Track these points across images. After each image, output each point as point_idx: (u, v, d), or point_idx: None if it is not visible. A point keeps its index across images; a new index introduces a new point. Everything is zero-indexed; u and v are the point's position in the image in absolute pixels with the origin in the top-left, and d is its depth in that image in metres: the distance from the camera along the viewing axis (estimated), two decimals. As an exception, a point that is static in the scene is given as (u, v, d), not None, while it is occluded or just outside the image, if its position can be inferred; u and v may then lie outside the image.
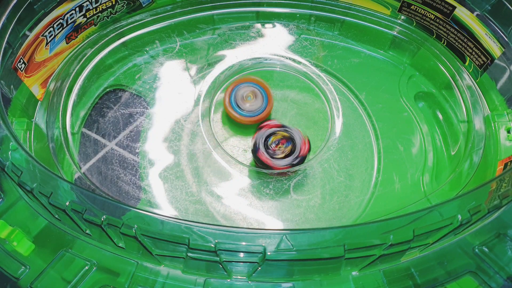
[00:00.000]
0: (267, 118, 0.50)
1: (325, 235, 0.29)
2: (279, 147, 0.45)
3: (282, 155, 0.45)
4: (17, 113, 0.44)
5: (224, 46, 0.57)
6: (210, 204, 0.45)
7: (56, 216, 0.33)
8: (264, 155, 0.45)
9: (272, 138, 0.45)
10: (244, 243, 0.28)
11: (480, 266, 0.31)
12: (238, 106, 0.49)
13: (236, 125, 0.51)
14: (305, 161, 0.46)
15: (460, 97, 0.51)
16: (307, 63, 0.55)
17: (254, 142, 0.46)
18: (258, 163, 0.46)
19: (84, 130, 0.50)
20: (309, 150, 0.46)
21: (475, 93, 0.50)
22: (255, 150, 0.45)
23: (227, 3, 0.58)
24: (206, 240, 0.28)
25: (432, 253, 0.32)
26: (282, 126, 0.46)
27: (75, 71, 0.51)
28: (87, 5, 0.50)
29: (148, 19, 0.56)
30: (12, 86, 0.44)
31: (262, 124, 0.47)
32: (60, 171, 0.44)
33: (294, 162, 0.45)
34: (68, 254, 0.32)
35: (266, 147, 0.45)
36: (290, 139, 0.46)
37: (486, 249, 0.32)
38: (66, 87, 0.50)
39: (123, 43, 0.55)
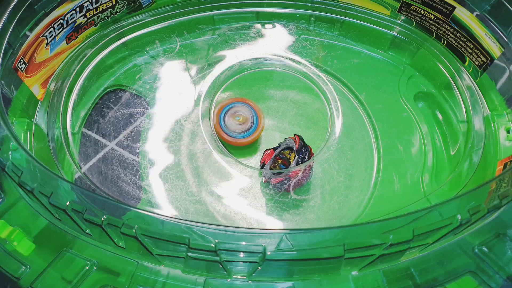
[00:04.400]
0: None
1: (325, 235, 0.29)
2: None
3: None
4: (18, 113, 0.44)
5: (224, 46, 0.57)
6: (210, 204, 0.45)
7: (57, 216, 0.33)
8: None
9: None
10: (244, 243, 0.28)
11: (480, 266, 0.31)
12: (227, 128, 0.49)
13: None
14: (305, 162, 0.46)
15: (460, 97, 0.51)
16: (307, 63, 0.55)
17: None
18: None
19: (84, 130, 0.50)
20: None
21: (474, 93, 0.50)
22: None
23: (227, 3, 0.58)
24: (206, 240, 0.28)
25: (431, 253, 0.32)
26: None
27: (75, 71, 0.51)
28: (87, 6, 0.51)
29: (148, 19, 0.56)
30: (12, 86, 0.44)
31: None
32: (61, 171, 0.44)
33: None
34: (69, 254, 0.32)
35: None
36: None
37: (485, 249, 0.32)
38: (67, 87, 0.50)
39: (124, 43, 0.55)
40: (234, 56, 0.56)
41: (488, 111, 0.49)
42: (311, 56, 0.56)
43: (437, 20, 0.53)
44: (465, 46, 0.51)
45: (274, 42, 0.57)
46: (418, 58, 0.55)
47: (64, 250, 0.32)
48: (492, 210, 0.31)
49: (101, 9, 0.52)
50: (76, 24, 0.51)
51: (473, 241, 0.32)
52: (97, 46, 0.53)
